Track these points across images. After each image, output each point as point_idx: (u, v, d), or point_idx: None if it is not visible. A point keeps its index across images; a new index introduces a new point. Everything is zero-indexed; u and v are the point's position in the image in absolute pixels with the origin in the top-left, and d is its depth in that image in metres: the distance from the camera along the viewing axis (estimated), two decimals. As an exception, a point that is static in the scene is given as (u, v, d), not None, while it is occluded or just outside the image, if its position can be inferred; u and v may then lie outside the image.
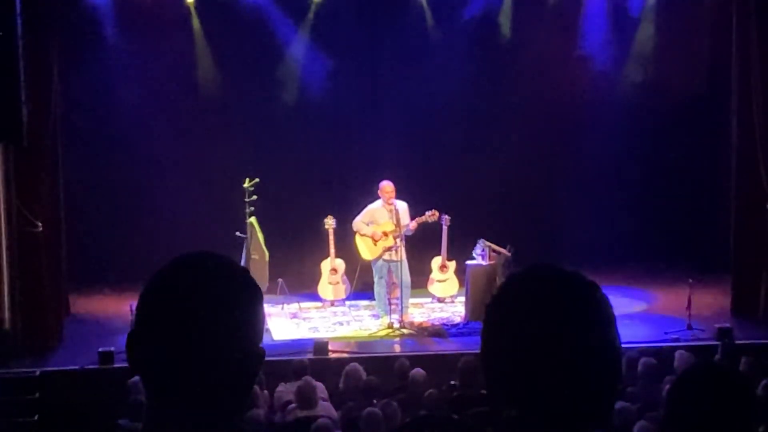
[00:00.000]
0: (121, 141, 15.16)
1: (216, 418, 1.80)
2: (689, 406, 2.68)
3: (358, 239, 13.23)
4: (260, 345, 1.86)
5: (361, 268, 13.65)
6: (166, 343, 1.78)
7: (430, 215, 13.02)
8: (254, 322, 1.84)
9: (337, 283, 14.21)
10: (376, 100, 15.51)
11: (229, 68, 15.43)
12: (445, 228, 13.59)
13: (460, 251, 13.78)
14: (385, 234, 12.98)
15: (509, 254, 13.11)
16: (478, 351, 1.84)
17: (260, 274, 13.16)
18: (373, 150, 15.19)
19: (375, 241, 13.05)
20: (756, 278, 13.42)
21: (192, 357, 1.77)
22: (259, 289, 1.89)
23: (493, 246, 13.22)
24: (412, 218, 13.00)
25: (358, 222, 13.14)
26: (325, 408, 9.12)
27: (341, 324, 13.48)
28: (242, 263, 12.64)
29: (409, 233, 13.01)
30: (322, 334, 12.73)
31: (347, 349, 12.17)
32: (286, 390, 9.73)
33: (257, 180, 13.07)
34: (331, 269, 14.16)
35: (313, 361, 10.89)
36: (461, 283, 13.96)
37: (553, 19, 15.84)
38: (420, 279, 13.99)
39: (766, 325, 12.96)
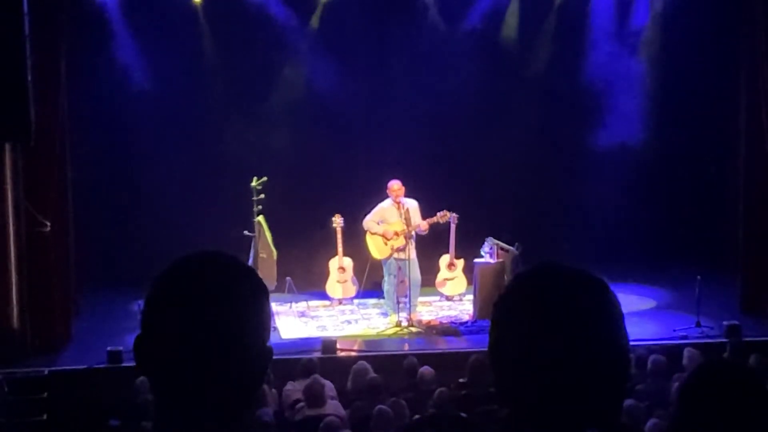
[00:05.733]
0: (129, 140, 15.20)
1: (225, 417, 1.79)
2: (701, 404, 2.66)
3: (368, 238, 13.22)
4: (267, 343, 1.85)
5: (370, 266, 13.65)
6: (172, 344, 1.77)
7: (441, 216, 13.03)
8: (260, 320, 1.84)
9: (345, 281, 14.21)
10: (384, 98, 15.51)
11: (237, 67, 15.44)
12: (453, 226, 13.58)
13: (468, 249, 13.77)
14: (396, 234, 12.97)
15: (517, 252, 13.10)
16: (486, 349, 1.84)
17: (268, 272, 13.17)
18: (380, 148, 15.20)
19: (386, 241, 13.05)
20: (765, 275, 13.40)
21: (199, 357, 1.77)
22: (265, 286, 1.88)
23: (501, 244, 13.22)
24: (423, 218, 13.00)
25: (369, 221, 13.13)
26: (333, 406, 9.12)
27: (349, 322, 13.48)
28: (250, 262, 12.68)
29: (422, 233, 13.01)
30: (330, 333, 12.74)
31: (355, 348, 12.17)
32: (294, 388, 9.73)
33: (265, 179, 13.07)
34: (339, 267, 14.16)
35: (322, 360, 10.88)
36: (469, 281, 13.96)
37: (559, 20, 15.85)
38: (428, 277, 13.97)
39: (775, 322, 12.94)
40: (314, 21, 15.55)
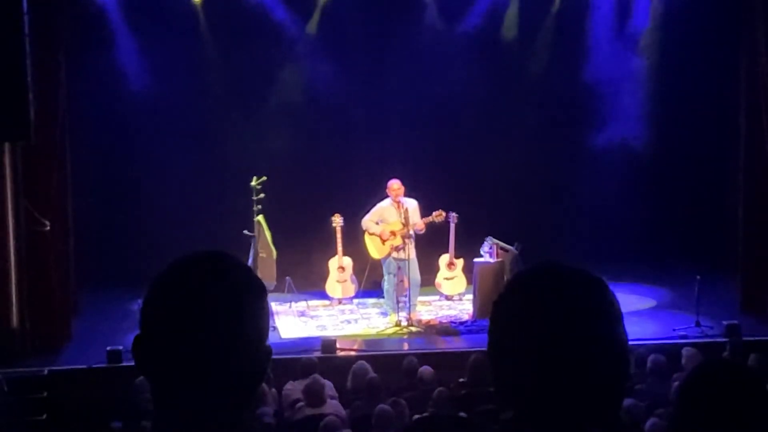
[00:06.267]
0: (129, 139, 15.19)
1: (224, 416, 1.80)
2: (701, 404, 2.66)
3: (367, 238, 13.23)
4: (266, 343, 1.85)
5: (370, 266, 13.65)
6: (171, 344, 1.78)
7: (437, 215, 13.02)
8: (259, 319, 1.84)
9: (345, 281, 14.21)
10: (384, 98, 15.50)
11: (236, 67, 15.43)
12: (452, 226, 13.59)
13: (467, 249, 13.76)
14: (393, 233, 12.97)
15: (517, 252, 13.10)
16: (486, 349, 1.83)
17: (268, 272, 13.17)
18: (380, 148, 15.19)
19: (383, 240, 13.05)
20: (765, 275, 13.39)
21: (198, 357, 1.77)
22: (263, 285, 1.88)
23: (501, 243, 13.21)
24: (421, 217, 13.00)
25: (367, 221, 13.13)
26: (333, 406, 9.12)
27: (349, 322, 13.48)
28: (250, 261, 12.68)
29: (419, 232, 13.01)
30: (330, 332, 12.74)
31: (355, 347, 12.17)
32: (294, 388, 9.73)
33: (265, 178, 13.08)
34: (339, 267, 14.16)
35: (321, 360, 10.88)
36: (469, 280, 13.96)
37: (559, 19, 15.84)
38: (428, 277, 13.97)
39: (775, 322, 12.94)
40: (314, 21, 15.53)
